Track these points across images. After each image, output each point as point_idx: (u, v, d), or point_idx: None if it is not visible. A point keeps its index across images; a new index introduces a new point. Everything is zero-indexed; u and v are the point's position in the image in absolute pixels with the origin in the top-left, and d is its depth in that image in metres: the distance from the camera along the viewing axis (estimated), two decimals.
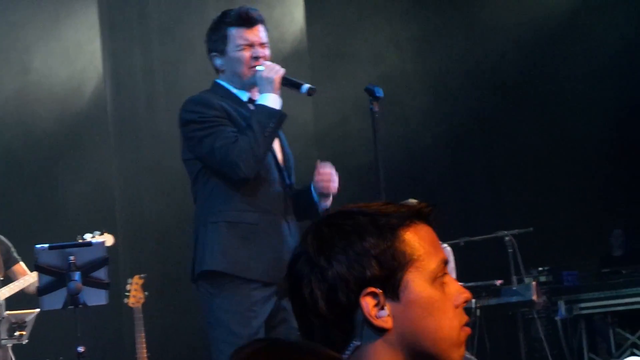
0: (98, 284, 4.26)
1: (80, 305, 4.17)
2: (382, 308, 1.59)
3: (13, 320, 6.50)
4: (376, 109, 4.79)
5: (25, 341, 6.53)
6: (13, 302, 6.78)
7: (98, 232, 6.37)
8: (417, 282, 1.60)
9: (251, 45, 4.03)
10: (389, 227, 1.62)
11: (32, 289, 6.78)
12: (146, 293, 6.85)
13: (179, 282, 8.56)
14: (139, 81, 8.80)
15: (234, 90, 4.07)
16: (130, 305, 6.79)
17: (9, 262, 6.90)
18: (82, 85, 8.38)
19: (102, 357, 7.58)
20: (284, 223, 4.00)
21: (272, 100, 3.95)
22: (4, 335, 6.45)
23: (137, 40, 8.77)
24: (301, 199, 4.10)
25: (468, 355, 6.51)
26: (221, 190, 3.92)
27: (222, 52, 4.05)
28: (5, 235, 7.00)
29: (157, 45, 8.80)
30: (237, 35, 4.03)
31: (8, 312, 6.56)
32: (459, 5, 9.64)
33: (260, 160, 3.90)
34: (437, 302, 1.61)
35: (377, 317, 1.59)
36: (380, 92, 4.72)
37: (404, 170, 8.87)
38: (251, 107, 4.02)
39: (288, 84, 4.03)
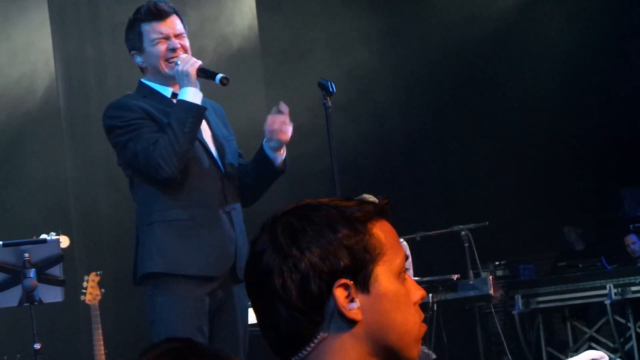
0: (53, 281, 4.24)
1: (36, 303, 4.14)
2: (353, 300, 1.61)
3: None
4: (329, 104, 4.80)
5: None
6: None
7: (54, 233, 6.33)
8: (386, 276, 1.62)
9: (166, 37, 3.98)
10: (359, 220, 1.63)
11: None
12: (102, 290, 6.83)
13: None
14: (90, 79, 8.74)
15: (157, 87, 4.01)
16: (87, 302, 6.76)
17: None
18: (33, 83, 8.28)
19: (59, 354, 7.53)
20: (222, 214, 3.92)
21: (190, 94, 3.88)
22: None
23: (88, 37, 8.70)
24: (256, 164, 4.05)
25: (426, 350, 6.54)
26: (153, 192, 3.86)
27: (139, 50, 4.01)
28: None
29: (109, 42, 8.74)
30: (150, 29, 3.99)
31: None
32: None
33: (183, 157, 3.82)
34: (403, 297, 1.64)
35: (349, 309, 1.60)
36: (333, 88, 4.73)
37: (358, 165, 8.89)
38: (175, 102, 3.96)
39: (204, 76, 3.97)
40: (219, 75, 3.90)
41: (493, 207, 9.01)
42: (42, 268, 4.15)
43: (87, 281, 6.78)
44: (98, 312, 6.76)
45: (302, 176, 8.39)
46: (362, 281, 1.61)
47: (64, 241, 5.75)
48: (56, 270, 4.22)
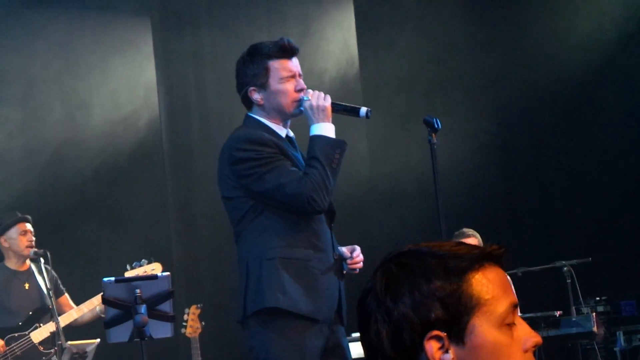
0: (163, 317, 4.29)
1: (147, 338, 4.20)
2: (447, 352, 1.57)
3: (74, 350, 6.56)
4: (434, 140, 4.79)
5: None
6: (73, 332, 6.86)
7: (146, 261, 6.41)
8: (483, 327, 1.57)
9: (294, 76, 3.97)
10: (458, 270, 1.60)
11: (84, 320, 6.86)
12: (203, 323, 6.89)
13: (235, 312, 8.60)
14: (193, 111, 8.88)
15: (272, 126, 3.97)
16: (188, 335, 6.83)
17: (57, 293, 6.99)
18: (137, 117, 8.47)
19: None
20: (333, 260, 3.95)
21: (328, 129, 3.90)
22: None
23: (191, 73, 8.86)
24: None
25: None
26: (273, 228, 3.85)
27: (262, 86, 3.95)
28: (66, 265, 7.11)
29: (210, 77, 8.88)
30: (280, 67, 3.95)
31: (70, 342, 6.62)
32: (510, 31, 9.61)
33: (331, 193, 3.85)
34: (504, 348, 1.57)
35: None
36: (438, 124, 4.71)
37: (457, 198, 8.83)
38: (289, 144, 3.96)
39: (341, 110, 3.98)
40: (364, 109, 3.92)
41: (594, 242, 8.85)
42: (152, 304, 4.21)
43: (188, 314, 6.85)
44: (198, 345, 6.82)
45: (405, 209, 8.41)
46: (457, 333, 1.57)
47: (157, 268, 5.85)
48: (166, 306, 4.27)
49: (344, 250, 4.06)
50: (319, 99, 3.89)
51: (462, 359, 1.57)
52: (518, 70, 9.46)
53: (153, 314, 4.25)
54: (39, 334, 6.78)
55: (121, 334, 4.26)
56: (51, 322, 6.54)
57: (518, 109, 9.52)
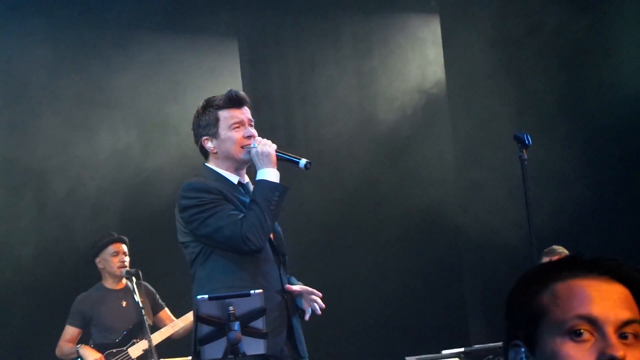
0: (256, 334, 4.33)
1: (240, 355, 4.25)
2: None
3: None
4: (525, 156, 4.80)
5: None
6: (165, 349, 6.96)
7: None
8: (547, 337, 1.57)
9: (242, 124, 4.23)
10: (536, 280, 1.62)
11: (179, 334, 6.97)
12: None
13: (323, 327, 8.62)
14: (279, 130, 8.99)
15: (224, 174, 4.25)
16: None
17: (156, 309, 7.14)
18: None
19: None
20: (281, 299, 4.25)
21: (272, 174, 4.16)
22: None
23: (278, 92, 8.97)
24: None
25: None
26: (220, 270, 4.18)
27: (214, 135, 4.24)
28: (161, 281, 7.24)
29: (296, 96, 8.98)
30: (229, 115, 4.23)
31: (162, 359, 6.73)
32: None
33: (268, 232, 4.13)
34: (568, 359, 1.55)
35: None
36: (529, 140, 4.71)
37: (546, 216, 8.72)
38: (242, 190, 4.24)
39: (284, 159, 4.24)
40: (304, 160, 4.18)
41: None
42: (245, 321, 4.26)
43: None
44: None
45: (496, 225, 8.35)
46: (530, 342, 1.59)
47: None
48: (259, 323, 4.31)
49: (296, 288, 4.32)
50: (264, 146, 4.16)
51: None
52: (607, 80, 9.31)
53: (246, 330, 4.29)
54: (136, 350, 6.91)
55: (215, 350, 4.31)
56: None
57: (608, 119, 9.34)
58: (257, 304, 4.37)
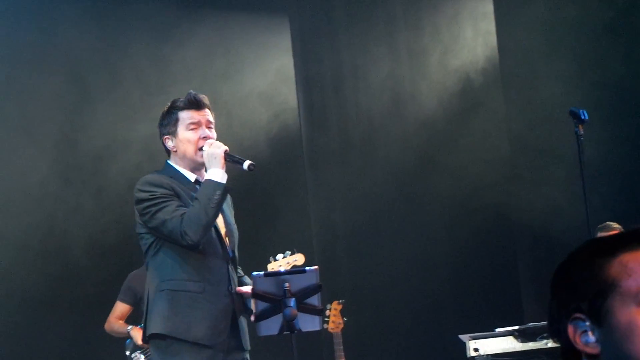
0: (312, 310, 4.36)
1: (296, 331, 4.28)
2: (589, 334, 1.59)
3: None
4: (581, 132, 4.76)
5: None
6: None
7: (289, 252, 6.50)
8: (618, 308, 1.57)
9: (199, 125, 4.46)
10: (600, 252, 1.61)
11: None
12: (345, 319, 6.94)
13: (376, 307, 8.65)
14: (331, 110, 8.99)
15: (182, 171, 4.49)
16: (330, 330, 6.90)
17: None
18: (277, 114, 8.62)
19: None
20: (226, 292, 4.42)
21: (217, 174, 4.35)
22: None
23: (328, 73, 8.97)
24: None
25: None
26: (168, 262, 4.38)
27: (173, 134, 4.48)
28: None
29: (348, 75, 8.97)
30: (188, 116, 4.46)
31: None
32: None
33: (207, 228, 4.31)
34: (639, 329, 1.56)
35: (584, 344, 1.59)
36: (585, 115, 4.67)
37: (604, 189, 8.63)
38: (198, 187, 4.42)
39: (231, 161, 4.40)
40: (247, 162, 4.35)
41: None
42: (301, 297, 4.28)
43: (330, 309, 6.91)
44: (341, 341, 6.87)
45: (550, 202, 8.29)
46: (596, 314, 1.58)
47: (300, 259, 5.94)
48: (314, 300, 4.34)
49: (247, 290, 4.53)
50: (214, 148, 4.37)
51: (602, 342, 1.58)
52: None
53: (302, 307, 4.32)
54: None
55: (271, 327, 4.35)
56: None
57: None
58: (313, 280, 4.41)
